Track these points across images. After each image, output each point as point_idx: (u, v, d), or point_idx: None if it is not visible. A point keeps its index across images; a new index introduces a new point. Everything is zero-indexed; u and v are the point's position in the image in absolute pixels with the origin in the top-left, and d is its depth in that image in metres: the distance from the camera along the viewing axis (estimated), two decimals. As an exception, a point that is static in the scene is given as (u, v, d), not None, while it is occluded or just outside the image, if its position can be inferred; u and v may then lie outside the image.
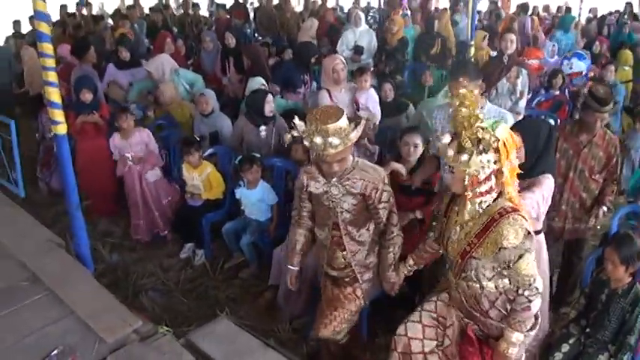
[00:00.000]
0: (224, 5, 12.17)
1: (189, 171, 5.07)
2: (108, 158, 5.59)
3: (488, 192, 2.72)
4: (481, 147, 2.58)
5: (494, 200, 2.74)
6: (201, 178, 5.04)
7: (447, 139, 2.66)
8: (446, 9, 11.97)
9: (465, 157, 2.60)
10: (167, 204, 5.52)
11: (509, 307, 2.88)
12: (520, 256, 2.68)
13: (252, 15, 12.51)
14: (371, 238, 3.49)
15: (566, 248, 4.47)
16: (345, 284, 3.53)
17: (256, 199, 4.75)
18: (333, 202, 3.35)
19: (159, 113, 6.52)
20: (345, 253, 3.46)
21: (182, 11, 12.89)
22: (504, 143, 2.62)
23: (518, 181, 2.93)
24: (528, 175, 3.14)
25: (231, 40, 7.85)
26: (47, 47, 3.47)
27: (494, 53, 7.91)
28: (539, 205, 3.26)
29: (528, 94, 6.01)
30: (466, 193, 2.72)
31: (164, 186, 5.55)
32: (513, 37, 5.78)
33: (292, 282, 3.68)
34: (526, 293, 2.76)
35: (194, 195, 5.05)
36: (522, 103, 5.61)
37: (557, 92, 7.23)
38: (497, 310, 2.89)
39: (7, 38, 11.39)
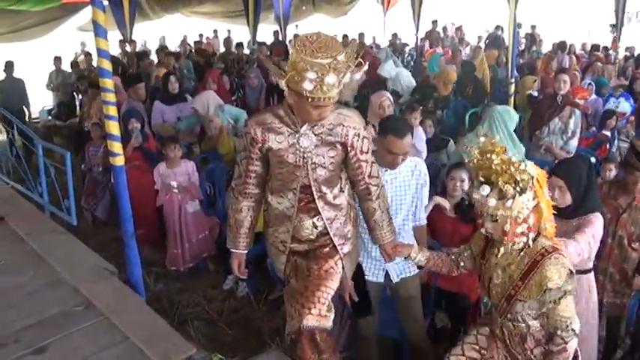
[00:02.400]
0: (265, 43, 12.43)
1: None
2: (151, 188, 5.73)
3: (525, 233, 2.70)
4: (519, 188, 2.59)
5: (534, 241, 2.73)
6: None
7: (485, 190, 2.63)
8: (480, 47, 12.09)
9: (509, 202, 2.60)
10: (203, 238, 5.62)
11: None
12: (562, 297, 2.66)
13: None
14: (347, 202, 3.00)
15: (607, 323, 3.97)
16: (322, 257, 2.99)
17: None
18: (302, 157, 2.78)
19: (204, 147, 6.67)
20: (315, 220, 2.94)
21: (225, 49, 13.26)
22: (537, 179, 2.64)
23: (566, 221, 3.04)
24: (575, 214, 3.16)
25: (273, 78, 8.02)
26: (108, 83, 3.62)
27: (533, 92, 7.96)
28: (591, 245, 3.16)
29: (580, 135, 6.00)
30: (505, 237, 2.70)
31: (202, 219, 5.65)
32: (567, 77, 5.85)
33: (240, 270, 3.18)
34: (563, 334, 2.72)
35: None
36: (574, 142, 5.64)
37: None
38: (543, 348, 2.84)
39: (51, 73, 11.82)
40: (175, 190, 5.51)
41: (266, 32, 14.82)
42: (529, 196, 2.62)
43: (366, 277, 3.54)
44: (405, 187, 3.54)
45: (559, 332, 2.71)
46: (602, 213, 3.28)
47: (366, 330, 3.75)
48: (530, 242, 2.72)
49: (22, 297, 3.72)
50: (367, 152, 2.88)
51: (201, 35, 17.92)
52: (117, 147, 3.74)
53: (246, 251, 3.13)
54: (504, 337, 2.95)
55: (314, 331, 2.91)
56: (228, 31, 18.20)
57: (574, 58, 11.75)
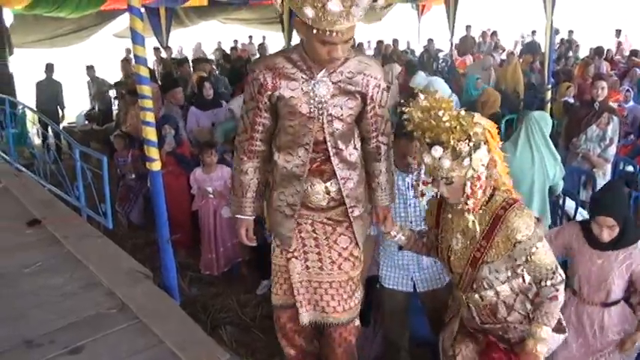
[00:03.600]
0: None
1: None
2: (185, 192, 5.79)
3: (485, 190, 2.50)
4: (472, 143, 2.38)
5: (492, 196, 2.55)
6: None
7: (437, 151, 2.38)
8: (513, 53, 11.97)
9: (466, 160, 2.38)
10: (237, 242, 5.58)
11: (529, 307, 2.68)
12: (534, 248, 2.50)
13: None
14: (360, 160, 2.74)
15: None
16: (332, 229, 2.75)
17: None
18: (318, 108, 2.50)
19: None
20: (328, 184, 2.67)
21: (259, 55, 13.36)
22: (489, 130, 2.45)
23: (606, 254, 3.00)
24: (619, 245, 3.03)
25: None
26: (146, 89, 3.66)
27: (569, 99, 7.85)
28: None
29: (618, 143, 5.89)
30: (467, 200, 2.48)
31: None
32: (604, 84, 5.72)
33: (249, 236, 2.91)
34: (550, 282, 2.56)
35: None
36: (612, 150, 5.54)
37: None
38: (517, 313, 2.69)
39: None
40: (211, 196, 5.57)
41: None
42: (484, 150, 2.42)
43: (392, 286, 3.56)
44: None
45: (547, 282, 2.57)
46: None
47: (396, 339, 3.73)
48: (487, 199, 2.55)
49: (58, 298, 3.77)
50: (384, 106, 2.66)
51: (235, 41, 18.09)
52: (154, 152, 3.78)
53: (253, 217, 2.84)
54: (473, 315, 2.77)
55: (345, 328, 2.86)
56: (263, 37, 18.37)
57: (609, 64, 11.54)
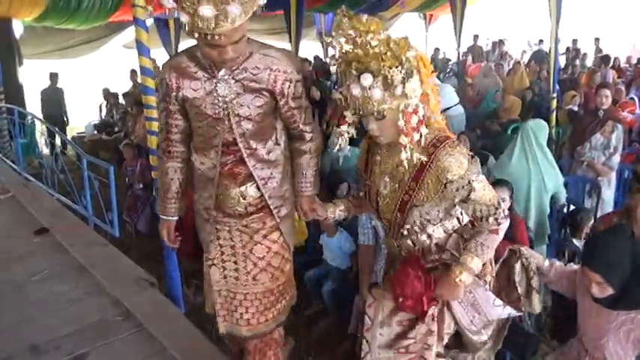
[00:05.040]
0: (306, 59, 12.55)
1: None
2: (190, 200, 5.81)
3: (419, 126, 2.22)
4: (404, 71, 2.12)
5: (421, 134, 2.28)
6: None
7: (367, 80, 2.10)
8: (519, 62, 11.99)
9: (399, 89, 2.13)
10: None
11: (462, 245, 2.45)
12: (471, 184, 2.25)
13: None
14: (283, 155, 2.59)
15: None
16: (254, 236, 2.60)
17: (336, 246, 4.82)
18: (223, 108, 2.37)
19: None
20: (243, 189, 2.54)
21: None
22: (421, 57, 2.21)
23: (607, 311, 2.59)
24: (620, 305, 2.58)
25: (316, 94, 8.17)
26: (151, 99, 3.71)
27: (573, 107, 7.85)
28: None
29: (623, 150, 5.89)
30: (405, 139, 2.22)
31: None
32: (608, 92, 5.73)
33: (170, 237, 2.83)
34: (492, 218, 2.33)
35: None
36: (616, 158, 5.53)
37: None
38: (450, 252, 2.47)
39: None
40: None
41: (308, 48, 14.97)
42: (416, 80, 2.18)
43: None
44: None
45: (490, 219, 2.33)
46: None
47: None
48: (422, 140, 2.27)
49: (64, 305, 3.81)
50: (300, 97, 2.49)
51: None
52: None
53: (175, 218, 2.75)
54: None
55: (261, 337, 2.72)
56: (271, 47, 18.46)
57: (615, 72, 11.52)
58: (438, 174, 2.25)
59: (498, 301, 2.54)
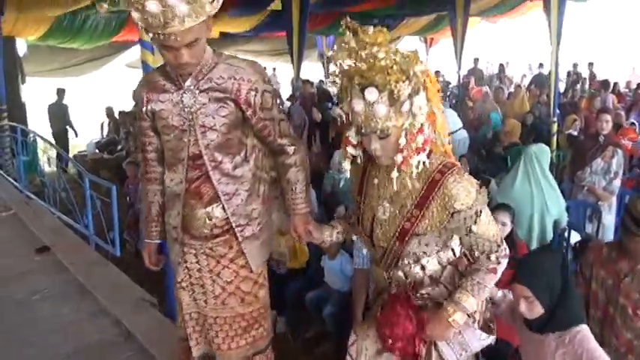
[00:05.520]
0: (308, 80, 12.63)
1: (277, 238, 5.16)
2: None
3: (422, 147, 2.10)
4: (412, 87, 1.99)
5: (427, 157, 2.16)
6: (289, 246, 5.11)
7: (373, 94, 1.97)
8: (520, 86, 12.06)
9: (405, 106, 2.00)
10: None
11: (457, 280, 2.31)
12: (476, 217, 2.14)
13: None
14: (252, 173, 2.46)
15: None
16: (221, 255, 2.48)
17: (337, 269, 4.82)
18: (189, 119, 2.31)
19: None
20: (210, 209, 2.42)
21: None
22: (429, 74, 2.11)
23: (538, 336, 2.49)
24: (549, 327, 2.49)
25: (317, 115, 8.22)
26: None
27: (573, 132, 7.90)
28: None
29: (623, 175, 5.92)
30: (400, 157, 2.09)
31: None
32: (609, 117, 5.75)
33: (151, 260, 2.72)
34: (494, 256, 2.22)
35: (279, 263, 5.14)
36: (617, 183, 5.54)
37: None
38: (444, 285, 2.34)
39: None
40: None
41: (310, 70, 15.06)
42: (423, 97, 2.06)
43: None
44: None
45: (491, 256, 2.22)
46: (583, 320, 2.55)
47: None
48: (426, 160, 2.15)
49: (64, 325, 3.81)
50: (271, 109, 2.38)
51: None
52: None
53: (157, 241, 2.65)
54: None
55: None
56: (274, 69, 18.60)
57: (615, 97, 11.58)
58: (445, 202, 2.12)
59: (484, 335, 2.42)
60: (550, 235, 4.75)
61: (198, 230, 2.44)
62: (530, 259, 2.67)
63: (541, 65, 15.62)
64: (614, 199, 5.63)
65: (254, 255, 2.51)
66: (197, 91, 2.29)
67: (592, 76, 16.14)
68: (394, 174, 2.12)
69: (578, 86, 14.99)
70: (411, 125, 2.06)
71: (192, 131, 2.32)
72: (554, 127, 7.13)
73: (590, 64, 16.76)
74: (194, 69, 2.28)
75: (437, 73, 15.94)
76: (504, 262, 2.23)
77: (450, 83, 15.80)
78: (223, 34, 13.84)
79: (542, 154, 4.70)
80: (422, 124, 2.09)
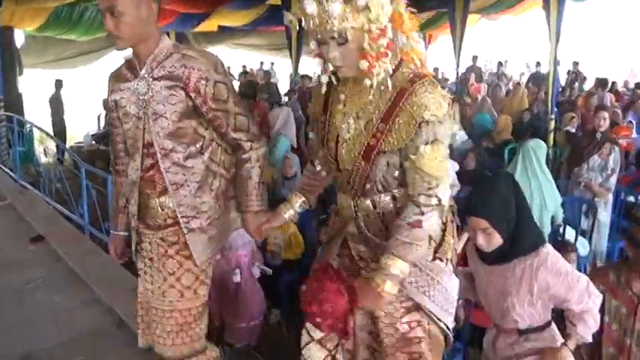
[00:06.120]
0: (307, 75, 12.63)
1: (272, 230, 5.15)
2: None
3: (388, 49, 1.89)
4: None
5: (397, 68, 1.96)
6: (284, 237, 5.13)
7: None
8: (519, 83, 12.06)
9: (361, 1, 1.80)
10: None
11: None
12: (433, 142, 1.90)
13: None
14: (205, 166, 2.42)
15: None
16: (169, 245, 2.43)
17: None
18: (143, 106, 2.32)
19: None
20: (162, 199, 2.38)
21: (264, 82, 13.55)
22: None
23: (500, 267, 2.36)
24: (511, 256, 2.37)
25: (311, 110, 8.23)
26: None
27: (571, 129, 7.90)
28: (586, 289, 2.33)
29: (620, 172, 5.92)
30: (364, 64, 1.89)
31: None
32: (606, 114, 5.79)
33: (117, 252, 2.68)
34: (421, 200, 1.95)
35: (274, 254, 5.14)
36: (613, 179, 5.56)
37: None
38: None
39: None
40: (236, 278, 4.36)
41: (308, 65, 15.05)
42: None
43: None
44: None
45: (419, 198, 1.96)
46: (544, 241, 2.45)
47: None
48: (390, 68, 1.93)
49: (58, 314, 3.80)
50: (226, 101, 2.34)
51: (244, 67, 18.27)
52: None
53: (123, 233, 2.62)
54: (360, 229, 2.18)
55: None
56: (272, 63, 18.59)
57: (613, 95, 11.59)
58: (413, 111, 1.90)
59: (453, 278, 2.25)
60: (548, 230, 4.75)
61: (153, 219, 2.43)
62: (482, 189, 2.44)
63: (538, 64, 15.63)
64: (610, 196, 5.63)
65: (199, 249, 2.44)
66: (151, 79, 2.29)
67: (576, 74, 16.09)
68: (367, 82, 1.93)
69: (577, 84, 14.99)
70: (370, 23, 1.84)
71: (146, 119, 2.31)
72: (552, 125, 7.12)
73: (576, 63, 16.68)
74: (144, 57, 2.32)
75: (435, 70, 15.96)
76: (432, 214, 1.98)
77: (448, 80, 15.80)
78: (221, 28, 13.81)
79: (539, 149, 4.71)
80: (385, 26, 1.87)
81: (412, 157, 1.93)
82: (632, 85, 14.47)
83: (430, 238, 2.09)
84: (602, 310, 2.71)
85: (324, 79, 2.10)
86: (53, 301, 3.98)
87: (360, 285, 2.07)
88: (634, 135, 8.50)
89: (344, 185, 2.18)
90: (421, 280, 2.13)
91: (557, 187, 5.06)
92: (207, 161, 2.41)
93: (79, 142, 11.91)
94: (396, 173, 2.03)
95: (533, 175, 4.59)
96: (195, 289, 2.48)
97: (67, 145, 10.47)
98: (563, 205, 5.02)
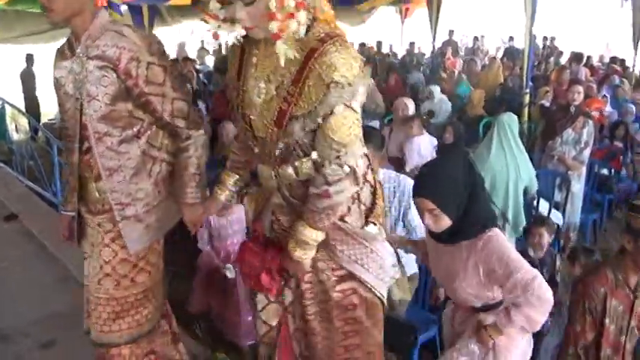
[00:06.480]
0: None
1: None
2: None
3: (297, 9, 1.81)
4: None
5: (308, 28, 1.88)
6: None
7: None
8: (495, 58, 12.08)
9: None
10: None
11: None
12: (343, 106, 1.84)
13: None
14: (142, 151, 2.31)
15: None
16: (105, 232, 2.38)
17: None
18: (78, 87, 2.22)
19: (217, 152, 6.72)
20: (100, 184, 2.30)
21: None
22: None
23: (449, 247, 2.27)
24: (459, 237, 2.27)
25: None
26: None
27: (545, 103, 7.95)
28: (528, 276, 2.16)
29: (594, 145, 5.99)
30: (274, 25, 1.80)
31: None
32: (581, 88, 5.82)
33: (65, 233, 2.62)
34: (329, 169, 1.92)
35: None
36: (586, 152, 5.62)
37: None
38: None
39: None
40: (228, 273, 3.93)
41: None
42: None
43: None
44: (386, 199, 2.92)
45: (326, 168, 1.92)
46: (495, 222, 2.34)
47: None
48: (302, 30, 1.85)
49: (32, 292, 3.79)
50: (161, 84, 2.22)
51: (219, 44, 18.04)
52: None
53: (70, 213, 2.50)
54: (282, 200, 2.14)
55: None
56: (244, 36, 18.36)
57: (588, 70, 11.67)
58: (322, 71, 1.81)
59: (389, 249, 2.26)
60: (522, 202, 4.79)
61: (93, 204, 2.38)
62: (430, 169, 2.31)
63: (511, 39, 15.66)
64: (583, 169, 5.69)
65: (133, 237, 2.36)
66: (85, 58, 2.19)
67: (551, 48, 16.17)
68: (279, 45, 1.84)
69: (552, 59, 15.05)
70: None
71: (80, 99, 2.23)
72: (527, 99, 7.14)
73: (552, 39, 16.72)
74: (80, 33, 2.22)
75: (412, 44, 15.91)
76: (340, 186, 1.95)
77: (424, 55, 15.77)
78: (195, 1, 13.60)
79: (513, 122, 4.73)
80: None
81: (321, 122, 1.87)
82: (607, 60, 14.56)
83: (360, 201, 2.10)
84: (602, 313, 2.70)
85: (235, 41, 1.99)
86: (27, 279, 3.96)
87: (281, 254, 2.10)
88: (608, 108, 8.57)
89: (262, 155, 2.10)
90: (355, 250, 2.14)
91: (532, 160, 5.09)
92: (145, 146, 2.31)
93: (51, 120, 11.73)
94: (313, 136, 1.94)
95: (508, 150, 4.61)
96: (132, 278, 2.43)
97: (41, 122, 10.31)
98: (537, 178, 5.06)
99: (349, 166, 1.94)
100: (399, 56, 15.86)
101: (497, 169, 4.59)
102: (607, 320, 2.71)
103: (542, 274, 2.25)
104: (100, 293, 2.42)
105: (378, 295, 2.23)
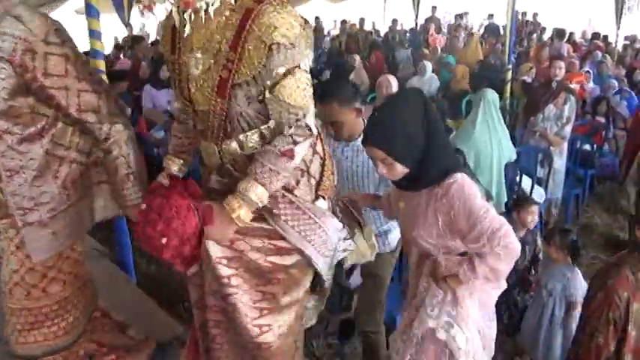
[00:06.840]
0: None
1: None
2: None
3: None
4: None
5: None
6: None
7: None
8: (472, 34, 12.10)
9: None
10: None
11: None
12: (289, 72, 1.78)
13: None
14: (45, 150, 2.10)
15: None
16: (9, 239, 2.22)
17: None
18: None
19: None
20: (2, 185, 2.11)
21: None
22: None
23: (410, 194, 2.13)
24: (420, 185, 2.10)
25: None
26: (100, 63, 3.59)
27: (527, 79, 7.96)
28: (497, 227, 2.01)
29: (576, 121, 5.99)
30: None
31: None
32: (562, 64, 5.84)
33: None
34: (292, 131, 1.85)
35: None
36: (568, 128, 5.63)
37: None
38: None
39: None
40: None
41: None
42: None
43: None
44: (366, 170, 2.89)
45: (288, 130, 1.85)
46: (461, 167, 2.14)
47: None
48: None
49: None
50: (63, 75, 2.02)
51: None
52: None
53: None
54: (232, 175, 2.02)
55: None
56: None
57: (570, 46, 11.69)
58: (262, 33, 1.73)
59: (339, 224, 2.14)
60: (503, 178, 4.81)
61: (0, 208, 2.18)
62: (380, 115, 2.09)
63: (491, 16, 15.65)
64: (565, 145, 5.72)
65: (37, 245, 2.17)
66: None
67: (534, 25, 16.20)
68: (210, 9, 1.77)
69: (535, 35, 15.05)
70: None
71: None
72: (509, 75, 7.14)
73: (535, 15, 16.75)
74: None
75: (394, 21, 15.83)
76: (303, 143, 1.88)
77: (407, 32, 15.70)
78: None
79: (495, 98, 4.74)
80: None
81: (273, 89, 1.79)
82: (589, 36, 14.59)
83: (309, 174, 2.02)
84: (625, 319, 2.56)
85: (173, 10, 1.89)
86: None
87: (214, 207, 1.91)
88: (590, 85, 8.59)
89: (205, 131, 1.98)
90: (303, 224, 2.04)
91: (514, 137, 5.11)
92: (49, 145, 2.10)
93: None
94: (258, 106, 1.86)
95: (492, 126, 4.62)
96: (43, 288, 2.28)
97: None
98: (519, 154, 5.08)
99: (308, 127, 1.88)
100: (382, 33, 15.78)
101: (481, 144, 4.60)
102: (630, 326, 2.57)
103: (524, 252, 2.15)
104: (12, 303, 2.28)
105: (317, 268, 2.11)
